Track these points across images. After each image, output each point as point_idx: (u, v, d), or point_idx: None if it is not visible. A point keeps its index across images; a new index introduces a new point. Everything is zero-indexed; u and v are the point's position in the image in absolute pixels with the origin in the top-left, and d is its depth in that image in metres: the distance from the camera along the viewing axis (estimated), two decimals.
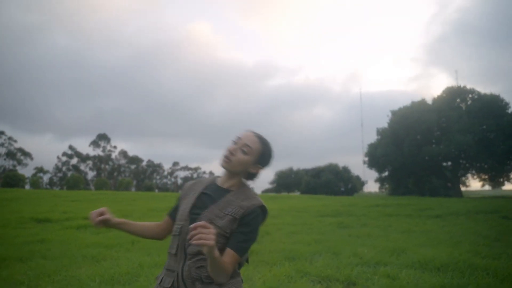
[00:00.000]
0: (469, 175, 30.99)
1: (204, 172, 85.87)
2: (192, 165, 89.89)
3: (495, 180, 29.66)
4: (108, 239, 6.20)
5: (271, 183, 68.26)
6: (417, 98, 29.88)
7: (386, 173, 31.80)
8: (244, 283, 1.52)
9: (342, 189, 47.32)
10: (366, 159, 31.03)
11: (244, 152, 1.60)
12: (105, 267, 4.17)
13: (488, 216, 10.84)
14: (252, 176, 1.64)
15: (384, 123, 32.34)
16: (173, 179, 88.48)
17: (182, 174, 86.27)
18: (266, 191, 68.71)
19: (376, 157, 29.36)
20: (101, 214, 1.63)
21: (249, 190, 1.61)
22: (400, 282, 3.43)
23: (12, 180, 46.09)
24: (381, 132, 30.59)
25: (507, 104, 26.90)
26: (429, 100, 30.72)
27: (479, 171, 29.95)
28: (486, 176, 29.79)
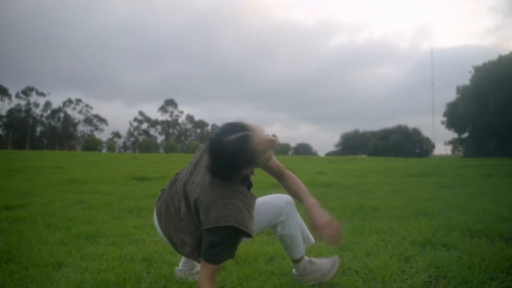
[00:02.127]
0: None
1: (267, 135, 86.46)
2: None
3: None
4: None
5: (336, 145, 67.27)
6: (495, 53, 27.29)
7: (465, 134, 29.85)
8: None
9: (417, 151, 45.33)
10: (444, 119, 29.24)
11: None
12: None
13: None
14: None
15: (458, 80, 30.11)
16: None
17: None
18: (330, 153, 67.95)
19: (456, 116, 27.57)
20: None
21: None
22: None
23: (91, 144, 49.56)
24: (461, 90, 28.50)
25: None
26: (510, 54, 27.91)
27: None
28: None
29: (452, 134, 42.43)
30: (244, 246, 2.95)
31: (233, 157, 1.53)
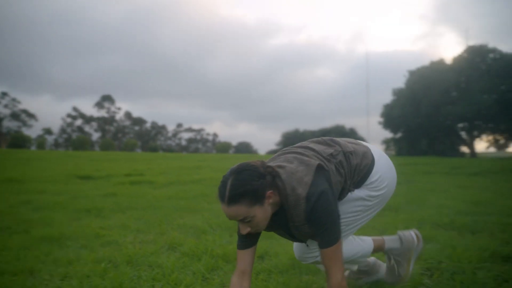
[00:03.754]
0: (483, 136, 30.89)
1: (208, 134, 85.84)
2: (196, 127, 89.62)
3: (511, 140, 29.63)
4: (184, 192, 6.14)
5: (278, 144, 68.40)
6: (424, 58, 29.40)
7: (399, 134, 31.67)
8: None
9: None
10: (381, 119, 30.83)
11: (249, 221, 1.47)
12: (206, 218, 4.08)
13: None
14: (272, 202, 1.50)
15: (391, 83, 31.90)
16: (177, 141, 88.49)
17: (186, 135, 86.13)
18: (271, 152, 68.94)
19: (392, 117, 29.17)
20: None
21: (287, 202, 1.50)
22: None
23: (18, 141, 46.11)
24: (397, 93, 30.21)
25: None
26: (440, 60, 30.12)
27: (494, 132, 29.84)
28: (502, 137, 29.72)
29: (385, 134, 44.87)
30: (232, 244, 2.87)
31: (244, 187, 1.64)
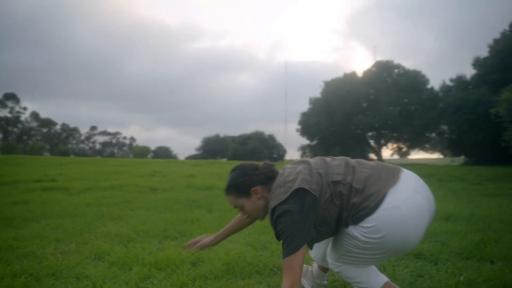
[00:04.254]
0: (389, 144, 33.61)
1: (125, 137, 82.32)
2: (111, 130, 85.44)
3: (413, 149, 32.62)
4: (103, 199, 5.82)
5: (198, 149, 67.85)
6: (338, 70, 31.44)
7: (315, 141, 33.24)
8: None
9: (275, 155, 48.61)
10: (299, 127, 32.12)
11: (241, 209, 1.80)
12: (131, 225, 3.94)
13: (429, 179, 11.95)
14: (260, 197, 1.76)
15: (309, 92, 33.47)
16: (91, 144, 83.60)
17: (100, 139, 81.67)
18: (191, 157, 68.21)
19: (309, 125, 30.54)
20: (196, 242, 2.08)
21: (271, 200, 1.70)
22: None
23: None
24: (313, 102, 31.74)
25: (427, 80, 29.39)
26: (352, 73, 32.33)
27: (398, 141, 32.63)
28: (405, 145, 32.61)
29: (302, 141, 46.80)
30: (162, 251, 2.80)
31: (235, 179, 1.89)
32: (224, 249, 2.87)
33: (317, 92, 34.97)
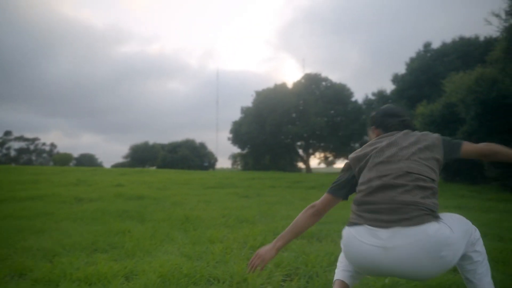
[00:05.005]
0: (317, 154, 34.96)
1: (44, 144, 76.88)
2: (29, 135, 79.32)
3: (339, 158, 34.25)
4: (22, 210, 5.38)
5: (125, 157, 65.33)
6: (269, 80, 32.28)
7: (246, 150, 33.60)
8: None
9: (206, 164, 48.21)
10: (231, 135, 32.29)
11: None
12: (56, 238, 3.69)
13: None
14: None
15: (240, 101, 33.91)
16: (4, 151, 77.05)
17: (16, 145, 75.42)
18: (117, 165, 65.46)
19: (240, 134, 30.84)
20: (256, 261, 1.82)
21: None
22: None
23: None
24: (245, 111, 32.13)
25: (352, 93, 31.20)
26: (283, 84, 33.35)
27: (325, 150, 34.07)
28: (331, 155, 34.14)
29: (233, 149, 47.06)
30: (92, 265, 2.67)
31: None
32: (158, 261, 2.80)
33: (248, 101, 35.55)
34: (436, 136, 1.72)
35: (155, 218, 4.81)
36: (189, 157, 56.13)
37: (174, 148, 59.55)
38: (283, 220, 4.88)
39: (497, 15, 10.55)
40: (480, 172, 12.20)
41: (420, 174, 1.58)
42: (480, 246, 1.70)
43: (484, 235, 3.94)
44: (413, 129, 1.83)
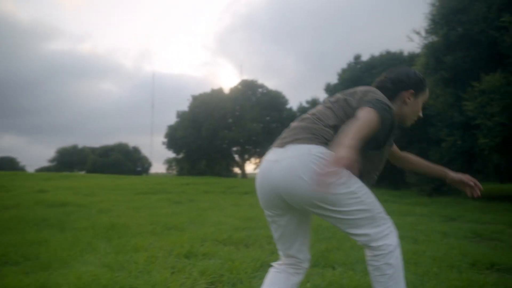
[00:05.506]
0: (252, 159, 35.28)
1: None
2: None
3: None
4: None
5: (51, 161, 61.48)
6: (206, 85, 32.22)
7: (182, 155, 33.09)
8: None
9: (139, 168, 46.69)
10: (165, 140, 31.63)
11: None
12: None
13: None
14: None
15: (176, 105, 33.42)
16: None
17: None
18: (42, 169, 61.40)
19: (175, 138, 30.31)
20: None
21: None
22: None
23: None
24: (181, 115, 31.67)
25: (287, 100, 31.98)
26: (220, 89, 33.44)
27: (260, 156, 34.49)
28: None
29: (168, 154, 46.13)
30: (0, 280, 2.46)
31: (407, 74, 1.76)
32: (76, 272, 2.65)
33: (184, 106, 35.06)
34: (363, 90, 1.65)
35: (77, 227, 4.56)
36: (121, 161, 54.16)
37: (105, 152, 57.17)
38: (212, 226, 4.86)
39: (418, 33, 11.39)
40: (402, 178, 13.04)
41: (322, 114, 1.63)
42: (394, 259, 1.57)
43: (400, 238, 4.22)
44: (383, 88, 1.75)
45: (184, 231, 4.46)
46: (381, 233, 1.57)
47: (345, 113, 1.59)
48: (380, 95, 1.59)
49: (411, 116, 1.81)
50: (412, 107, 1.77)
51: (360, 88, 1.65)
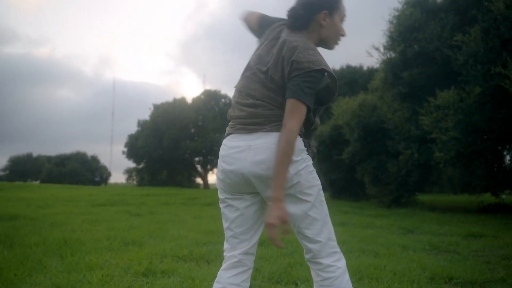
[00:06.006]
0: (215, 170, 35.00)
1: None
2: None
3: None
4: None
5: (3, 170, 58.40)
6: (168, 94, 31.88)
7: (142, 165, 32.37)
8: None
9: (98, 178, 45.15)
10: (125, 149, 30.84)
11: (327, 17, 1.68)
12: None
13: None
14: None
15: (137, 114, 32.84)
16: None
17: None
18: None
19: (136, 148, 29.62)
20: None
21: None
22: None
23: None
24: (142, 124, 31.05)
25: None
26: (182, 98, 33.19)
27: None
28: None
29: (128, 164, 45.00)
30: None
31: None
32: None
33: (146, 115, 34.44)
34: (289, 56, 1.52)
35: (27, 243, 4.28)
36: (79, 171, 52.22)
37: (62, 161, 54.95)
38: (172, 241, 4.71)
39: (377, 49, 11.76)
40: (362, 189, 13.31)
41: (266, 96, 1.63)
42: (345, 283, 1.53)
43: (361, 252, 4.25)
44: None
45: (143, 247, 4.30)
46: (333, 248, 1.56)
47: (274, 90, 1.54)
48: (310, 60, 1.48)
49: (333, 38, 1.66)
50: (331, 28, 1.63)
51: (286, 49, 1.52)
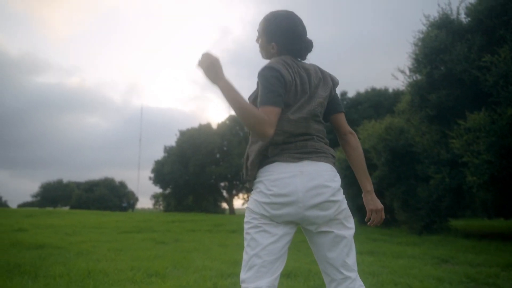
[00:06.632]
0: (240, 195, 34.93)
1: None
2: None
3: None
4: None
5: (35, 196, 60.06)
6: (194, 120, 32.31)
7: (169, 190, 32.63)
8: None
9: (125, 204, 45.75)
10: (152, 175, 31.24)
11: (257, 39, 1.79)
12: None
13: None
14: (273, 55, 1.73)
15: (163, 139, 33.35)
16: None
17: None
18: (25, 204, 59.92)
19: (162, 173, 29.95)
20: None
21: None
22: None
23: None
24: (168, 150, 31.49)
25: None
26: (208, 124, 33.56)
27: (248, 191, 34.21)
28: None
29: (155, 189, 45.46)
30: None
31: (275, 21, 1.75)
32: None
33: (172, 141, 34.92)
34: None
35: (52, 274, 4.27)
36: (107, 196, 53.10)
37: (90, 186, 56.10)
38: (196, 272, 4.62)
39: (402, 71, 11.58)
40: (391, 215, 12.89)
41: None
42: None
43: (394, 285, 4.03)
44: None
45: (166, 278, 4.22)
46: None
47: None
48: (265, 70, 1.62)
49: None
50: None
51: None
